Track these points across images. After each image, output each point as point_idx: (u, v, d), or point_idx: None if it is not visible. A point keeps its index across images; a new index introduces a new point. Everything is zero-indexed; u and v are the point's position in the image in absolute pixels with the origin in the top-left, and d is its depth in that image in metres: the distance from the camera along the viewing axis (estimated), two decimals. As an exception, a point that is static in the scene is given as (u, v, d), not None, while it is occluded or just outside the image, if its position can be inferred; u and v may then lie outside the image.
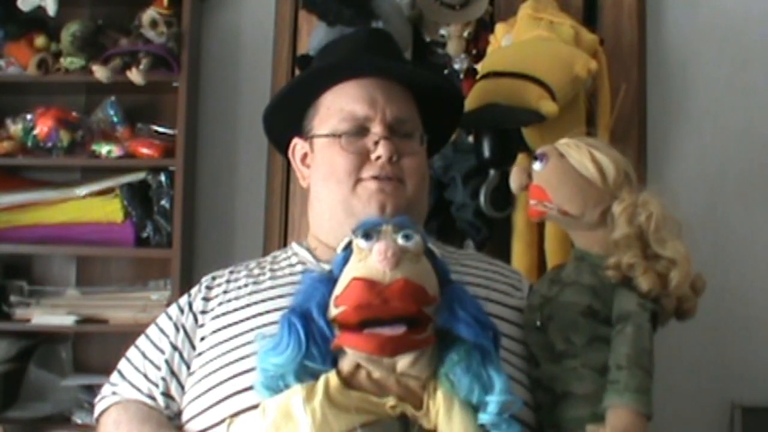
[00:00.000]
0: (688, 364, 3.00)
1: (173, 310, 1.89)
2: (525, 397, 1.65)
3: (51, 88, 3.29)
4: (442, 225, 2.90)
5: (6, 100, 3.35)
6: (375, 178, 1.81)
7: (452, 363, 1.43)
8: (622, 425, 1.51)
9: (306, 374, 1.44)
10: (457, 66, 3.00)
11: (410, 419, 1.42)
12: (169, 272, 3.15)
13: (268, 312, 1.73)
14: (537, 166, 1.72)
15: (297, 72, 3.00)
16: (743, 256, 3.07)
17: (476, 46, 3.01)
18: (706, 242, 2.98)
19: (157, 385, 1.78)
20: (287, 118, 1.97)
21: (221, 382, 1.66)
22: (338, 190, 1.82)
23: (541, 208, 1.72)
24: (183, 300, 1.90)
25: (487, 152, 2.59)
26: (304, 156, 1.96)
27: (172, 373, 1.78)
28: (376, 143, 1.81)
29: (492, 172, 2.67)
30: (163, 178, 3.17)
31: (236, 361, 1.67)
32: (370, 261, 1.41)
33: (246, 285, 1.85)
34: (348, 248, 1.49)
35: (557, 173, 1.70)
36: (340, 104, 1.86)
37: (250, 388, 1.53)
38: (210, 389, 1.67)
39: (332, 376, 1.43)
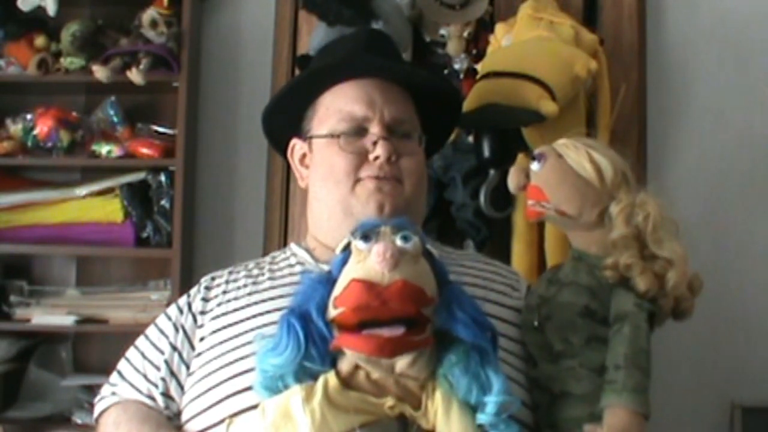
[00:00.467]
0: (687, 364, 3.01)
1: (172, 310, 1.89)
2: (523, 398, 1.65)
3: (51, 88, 3.29)
4: (442, 225, 2.90)
5: (6, 100, 3.35)
6: (373, 178, 1.81)
7: (451, 364, 1.43)
8: (620, 425, 1.52)
9: (305, 375, 1.44)
10: (457, 66, 3.00)
11: (409, 420, 1.42)
12: (169, 272, 3.15)
13: (267, 312, 1.73)
14: (535, 166, 1.72)
15: (297, 72, 3.00)
16: (743, 256, 3.07)
17: (476, 46, 3.01)
18: (706, 242, 2.98)
19: (156, 386, 1.78)
20: (286, 119, 1.98)
21: (220, 383, 1.66)
22: (337, 191, 1.83)
23: (539, 209, 1.72)
24: (182, 300, 1.90)
25: (487, 152, 2.59)
26: (303, 156, 1.96)
27: (172, 373, 1.78)
28: (375, 143, 1.82)
29: (492, 172, 2.67)
30: (163, 178, 3.17)
31: (235, 361, 1.67)
32: (369, 262, 1.41)
33: (245, 285, 1.85)
34: (347, 249, 1.49)
35: (555, 173, 1.70)
36: (339, 105, 1.87)
37: (249, 388, 1.53)
38: (209, 389, 1.67)
39: (331, 377, 1.43)
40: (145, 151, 3.16)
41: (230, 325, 1.76)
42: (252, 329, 1.69)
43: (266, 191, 3.21)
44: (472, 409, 1.43)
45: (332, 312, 1.44)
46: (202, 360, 1.75)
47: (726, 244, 3.06)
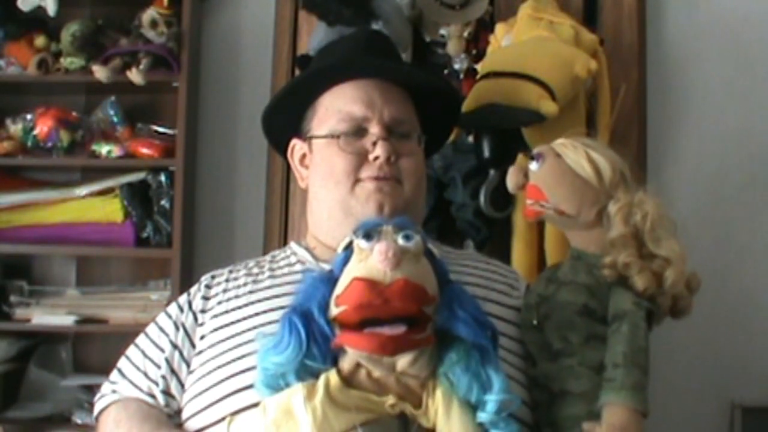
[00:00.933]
0: (688, 363, 3.01)
1: (173, 308, 1.90)
2: (523, 396, 1.66)
3: (51, 88, 3.29)
4: (442, 225, 2.90)
5: (6, 100, 3.35)
6: (373, 178, 1.81)
7: (451, 362, 1.44)
8: (619, 422, 1.52)
9: (306, 373, 1.44)
10: (457, 66, 3.00)
11: (409, 418, 1.43)
12: (169, 272, 3.16)
13: (267, 311, 1.74)
14: (533, 165, 1.73)
15: (297, 72, 3.00)
16: (743, 255, 3.07)
17: (476, 46, 3.01)
18: (706, 241, 2.99)
19: (157, 384, 1.78)
20: (286, 119, 1.98)
21: (221, 381, 1.66)
22: (336, 191, 1.83)
23: (538, 208, 1.72)
24: (182, 299, 1.91)
25: (487, 152, 2.60)
26: (303, 157, 1.97)
27: (172, 371, 1.79)
28: (374, 144, 1.82)
29: (492, 172, 2.67)
30: (163, 178, 3.17)
31: (236, 359, 1.67)
32: (371, 261, 1.42)
33: (245, 284, 1.86)
34: (348, 248, 1.50)
35: (554, 173, 1.71)
36: (339, 105, 1.87)
37: (250, 386, 1.54)
38: (210, 387, 1.68)
39: (332, 375, 1.43)
40: (145, 151, 3.16)
41: (230, 323, 1.77)
42: (252, 328, 1.70)
43: (266, 191, 3.21)
44: (473, 407, 1.44)
45: (334, 310, 1.44)
46: (203, 358, 1.75)
47: (726, 244, 3.06)
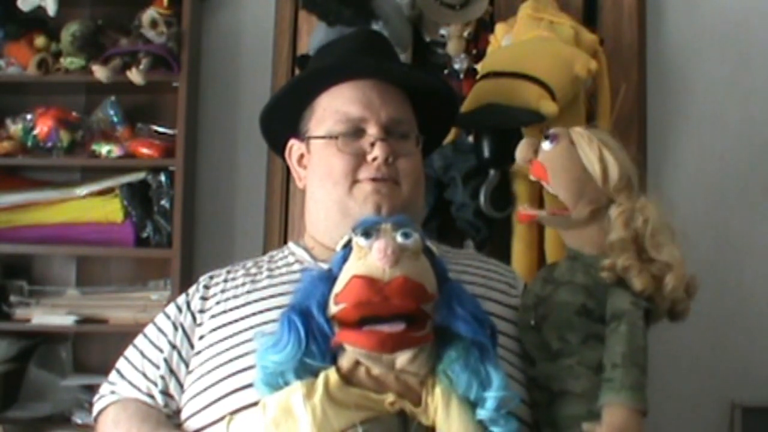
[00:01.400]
0: (688, 364, 3.01)
1: (171, 309, 1.90)
2: (522, 395, 1.66)
3: (51, 88, 3.29)
4: (442, 225, 2.90)
5: (6, 100, 3.35)
6: (371, 179, 1.81)
7: (450, 360, 1.44)
8: (619, 422, 1.52)
9: (306, 371, 1.44)
10: (457, 66, 3.00)
11: (409, 415, 1.43)
12: (169, 272, 3.16)
13: (265, 311, 1.74)
14: (546, 145, 1.73)
15: (297, 72, 3.00)
16: (743, 256, 3.07)
17: (476, 46, 3.01)
18: (706, 242, 2.99)
19: (155, 384, 1.78)
20: (284, 120, 1.97)
21: (220, 380, 1.66)
22: (334, 191, 1.83)
23: (531, 213, 1.77)
24: (181, 299, 1.91)
25: (487, 152, 2.60)
26: (301, 157, 1.96)
27: (171, 371, 1.79)
28: (372, 144, 1.82)
29: (492, 172, 2.67)
30: (163, 178, 3.17)
31: (235, 359, 1.67)
32: (370, 259, 1.42)
33: (243, 284, 1.86)
34: (347, 246, 1.50)
35: (563, 158, 1.70)
36: (336, 106, 1.87)
37: (249, 385, 1.54)
38: (209, 387, 1.68)
39: (332, 373, 1.43)
40: (145, 151, 3.16)
41: (229, 323, 1.76)
42: (250, 327, 1.70)
43: (266, 191, 3.21)
44: (472, 404, 1.44)
45: (333, 308, 1.45)
46: (202, 358, 1.75)
47: (726, 244, 3.05)
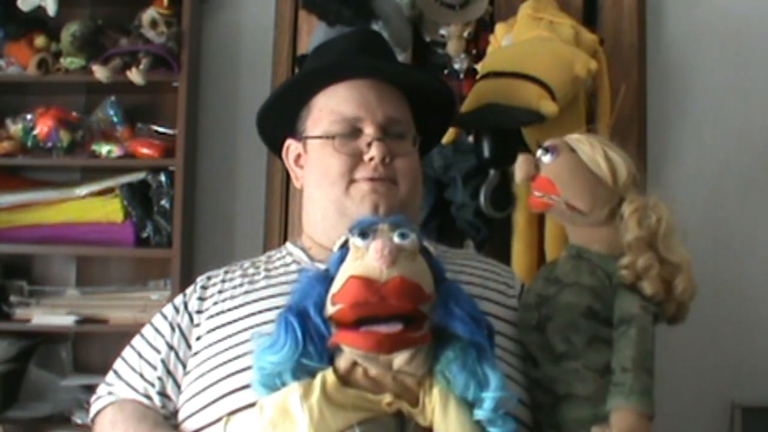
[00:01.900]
0: (688, 364, 3.00)
1: (168, 309, 1.89)
2: (520, 395, 1.65)
3: (51, 88, 3.30)
4: (442, 225, 2.91)
5: (6, 100, 3.36)
6: (368, 179, 1.80)
7: (448, 360, 1.43)
8: (627, 427, 1.51)
9: (303, 372, 1.44)
10: (457, 66, 3.00)
11: (406, 416, 1.42)
12: (169, 272, 3.16)
13: (263, 311, 1.73)
14: (546, 158, 1.70)
15: (297, 72, 3.00)
16: (743, 255, 3.07)
17: (476, 46, 3.01)
18: (706, 242, 2.98)
19: (153, 385, 1.78)
20: (281, 119, 1.97)
21: (217, 381, 1.66)
22: (331, 191, 1.82)
23: (547, 200, 1.70)
24: (178, 299, 1.90)
25: (487, 152, 2.59)
26: (298, 157, 1.96)
27: (168, 372, 1.78)
28: (369, 144, 1.80)
29: (492, 172, 2.67)
30: (163, 178, 3.18)
31: (232, 359, 1.67)
32: (367, 259, 1.41)
33: (241, 284, 1.85)
34: (344, 246, 1.50)
35: (569, 167, 1.68)
36: (332, 106, 1.86)
37: (246, 386, 1.54)
38: (206, 388, 1.67)
39: (329, 374, 1.42)
40: (145, 151, 3.17)
41: (226, 323, 1.76)
42: (248, 328, 1.69)
43: (266, 191, 3.22)
44: (470, 405, 1.43)
45: (330, 309, 1.44)
46: (199, 359, 1.75)
47: (726, 244, 3.05)
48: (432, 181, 2.88)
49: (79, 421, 3.08)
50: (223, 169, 3.37)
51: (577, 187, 1.68)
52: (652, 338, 1.59)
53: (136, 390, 1.79)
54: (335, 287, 1.44)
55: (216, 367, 1.68)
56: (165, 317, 1.87)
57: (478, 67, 2.77)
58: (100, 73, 3.06)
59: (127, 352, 1.88)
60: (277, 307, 1.58)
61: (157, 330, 1.86)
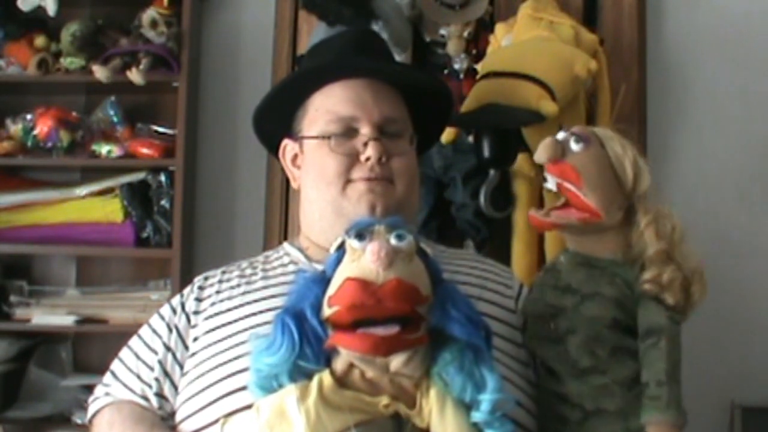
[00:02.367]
0: (688, 364, 2.94)
1: (165, 310, 1.88)
2: (518, 397, 1.63)
3: (51, 88, 3.30)
4: (442, 225, 2.91)
5: (6, 100, 3.36)
6: (365, 179, 1.79)
7: (445, 362, 1.42)
8: None
9: (299, 374, 1.43)
10: (457, 66, 3.00)
11: (403, 418, 1.42)
12: (169, 272, 3.17)
13: (260, 312, 1.73)
14: (576, 146, 1.64)
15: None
16: (743, 255, 3.07)
17: (476, 46, 3.01)
18: (706, 242, 2.94)
19: (150, 386, 1.77)
20: (278, 120, 1.96)
21: (215, 383, 1.65)
22: (328, 192, 1.81)
23: (569, 187, 1.64)
24: (175, 300, 1.89)
25: (487, 152, 2.59)
26: (295, 157, 1.95)
27: (165, 373, 1.78)
28: (365, 144, 1.80)
29: (492, 172, 2.67)
30: (163, 178, 3.18)
31: (229, 361, 1.66)
32: (364, 261, 1.41)
33: (238, 285, 1.85)
34: (341, 248, 1.49)
35: (598, 162, 1.63)
36: (328, 106, 1.85)
37: (243, 388, 1.53)
38: (203, 389, 1.67)
39: (326, 376, 1.42)
40: (145, 151, 3.17)
41: (224, 325, 1.76)
42: (245, 329, 1.69)
43: (266, 191, 3.22)
44: (467, 407, 1.43)
45: (327, 311, 1.43)
46: (196, 360, 1.74)
47: (726, 244, 3.05)
48: (432, 181, 2.88)
49: (79, 421, 3.08)
50: (223, 169, 3.37)
51: (600, 185, 1.63)
52: (680, 348, 1.57)
53: (133, 391, 1.79)
54: (332, 289, 1.44)
55: (213, 368, 1.68)
56: (162, 318, 1.87)
57: (478, 67, 2.77)
58: (100, 73, 3.06)
59: (124, 353, 1.88)
60: (274, 308, 1.57)
61: (154, 331, 1.85)
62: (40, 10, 3.19)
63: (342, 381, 1.43)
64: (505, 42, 2.84)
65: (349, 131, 1.82)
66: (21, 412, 3.17)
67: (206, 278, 1.92)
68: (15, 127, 3.20)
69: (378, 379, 1.43)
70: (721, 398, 2.98)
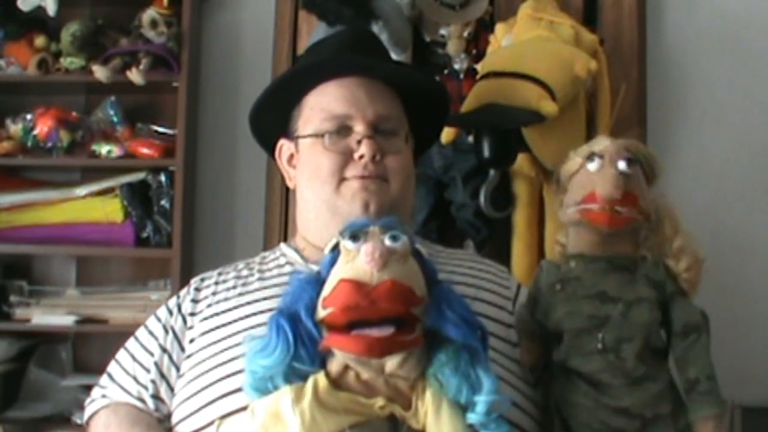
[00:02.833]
0: (688, 364, 2.99)
1: (162, 311, 1.88)
2: (514, 398, 1.63)
3: (51, 88, 3.30)
4: (442, 225, 2.91)
5: (6, 100, 3.35)
6: (359, 177, 1.79)
7: (440, 363, 1.42)
8: (726, 430, 1.53)
9: (294, 375, 1.43)
10: (457, 66, 3.00)
11: (399, 420, 1.42)
12: (169, 272, 3.16)
13: (256, 313, 1.72)
14: (626, 167, 1.66)
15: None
16: (743, 255, 3.07)
17: (476, 46, 3.01)
18: (706, 242, 2.95)
19: (146, 388, 1.78)
20: (275, 120, 1.97)
21: (210, 384, 1.65)
22: (322, 190, 1.81)
23: (631, 215, 1.64)
24: (172, 302, 1.89)
25: (487, 152, 2.58)
26: (291, 157, 1.95)
27: (162, 375, 1.78)
28: (359, 142, 1.80)
29: (492, 172, 2.66)
30: (163, 178, 3.18)
31: (225, 362, 1.66)
32: (358, 262, 1.40)
33: (234, 286, 1.85)
34: (335, 249, 1.49)
35: (641, 182, 1.69)
36: (323, 104, 1.85)
37: (239, 389, 1.52)
38: (199, 391, 1.67)
39: (321, 378, 1.42)
40: (145, 151, 3.17)
41: (220, 326, 1.75)
42: (242, 330, 1.69)
43: (266, 191, 3.22)
44: (463, 408, 1.42)
45: (321, 312, 1.43)
46: (192, 362, 1.74)
47: (726, 243, 3.05)
48: (432, 181, 2.88)
49: (79, 421, 3.06)
50: (223, 169, 3.37)
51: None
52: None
53: (129, 393, 1.79)
54: (326, 290, 1.43)
55: (209, 370, 1.68)
56: (159, 319, 1.87)
57: (478, 67, 2.76)
58: (100, 73, 3.06)
59: (120, 355, 1.88)
60: (270, 309, 1.57)
61: (150, 332, 1.85)
62: (40, 10, 3.18)
63: (337, 382, 1.43)
64: (505, 42, 2.84)
65: (343, 129, 1.82)
66: (21, 412, 3.17)
67: (202, 279, 1.92)
68: (15, 127, 3.20)
69: (373, 381, 1.42)
70: (721, 398, 2.98)
